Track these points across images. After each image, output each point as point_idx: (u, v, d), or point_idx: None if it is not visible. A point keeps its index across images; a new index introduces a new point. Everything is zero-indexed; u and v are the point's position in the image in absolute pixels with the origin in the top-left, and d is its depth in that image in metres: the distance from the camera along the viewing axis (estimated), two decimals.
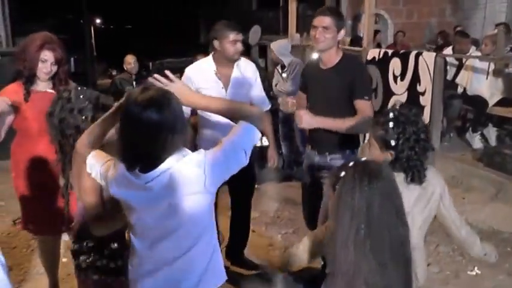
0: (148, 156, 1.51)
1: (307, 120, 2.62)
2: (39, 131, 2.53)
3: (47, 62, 2.60)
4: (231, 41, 2.96)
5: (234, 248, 3.48)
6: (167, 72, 1.77)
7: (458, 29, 7.52)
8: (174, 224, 1.57)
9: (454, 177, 4.80)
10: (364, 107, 2.61)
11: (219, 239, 3.58)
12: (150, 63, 13.23)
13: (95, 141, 1.71)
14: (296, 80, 5.75)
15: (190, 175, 1.51)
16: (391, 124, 1.81)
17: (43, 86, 2.69)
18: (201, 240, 1.61)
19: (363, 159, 1.44)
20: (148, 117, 1.47)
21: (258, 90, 3.27)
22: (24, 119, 2.64)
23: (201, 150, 1.57)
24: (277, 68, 5.73)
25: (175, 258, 1.60)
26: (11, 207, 4.37)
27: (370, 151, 1.91)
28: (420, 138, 1.81)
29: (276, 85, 5.64)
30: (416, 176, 1.83)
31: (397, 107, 1.88)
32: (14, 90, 2.63)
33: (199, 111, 3.16)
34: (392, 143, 1.80)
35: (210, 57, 3.10)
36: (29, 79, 2.63)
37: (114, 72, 22.08)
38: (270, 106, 3.40)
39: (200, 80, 3.00)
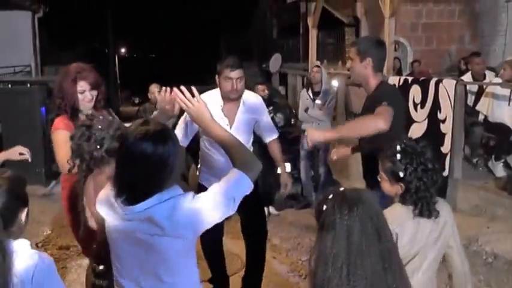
0: (135, 188, 1.54)
1: (312, 136, 2.50)
2: None
3: (85, 92, 2.63)
4: (225, 77, 2.90)
5: (251, 281, 3.39)
6: (193, 88, 1.81)
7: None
8: (146, 262, 1.58)
9: (478, 206, 4.72)
10: (380, 109, 2.48)
11: (227, 279, 3.47)
12: None
13: None
14: (330, 110, 5.80)
15: (160, 217, 1.51)
16: (398, 156, 1.84)
17: None
18: (176, 285, 1.61)
19: (341, 189, 1.46)
20: (141, 149, 1.50)
21: (266, 121, 3.27)
22: None
23: (190, 193, 1.58)
24: (308, 92, 5.74)
25: None
26: (34, 231, 4.48)
27: (381, 185, 1.94)
28: (428, 169, 1.82)
29: (306, 110, 5.62)
30: (425, 208, 1.83)
31: (403, 140, 1.90)
32: (64, 123, 2.61)
33: (202, 147, 3.18)
34: (401, 174, 1.83)
35: (218, 92, 3.05)
36: (73, 113, 2.63)
37: (136, 100, 22.57)
38: (277, 135, 3.39)
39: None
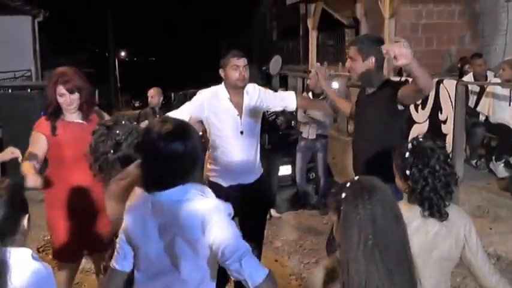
0: (167, 179, 1.59)
1: (401, 51, 2.11)
2: (74, 159, 2.66)
3: (65, 96, 2.71)
4: (232, 65, 2.97)
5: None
6: None
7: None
8: (173, 262, 1.60)
9: (480, 207, 4.70)
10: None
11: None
12: (172, 94, 13.48)
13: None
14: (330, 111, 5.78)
15: (204, 216, 1.55)
16: (407, 154, 1.83)
17: (73, 117, 2.80)
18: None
19: (356, 178, 1.50)
20: (170, 147, 1.55)
21: (273, 94, 3.25)
22: (57, 149, 2.73)
23: (227, 204, 1.62)
24: (308, 94, 5.69)
25: None
26: (35, 236, 4.48)
27: (395, 180, 1.93)
28: (436, 171, 1.79)
29: (305, 111, 5.59)
30: (431, 209, 1.79)
31: (420, 138, 1.88)
32: (44, 126, 2.75)
33: (212, 145, 3.13)
34: (407, 172, 1.82)
35: (222, 85, 3.09)
36: (55, 113, 2.76)
37: (137, 103, 22.61)
38: (295, 93, 3.33)
39: (215, 105, 3.01)
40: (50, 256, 4.18)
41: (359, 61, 2.66)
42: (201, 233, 1.54)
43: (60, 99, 2.72)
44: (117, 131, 2.01)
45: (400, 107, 2.57)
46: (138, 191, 1.69)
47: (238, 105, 3.05)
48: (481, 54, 6.27)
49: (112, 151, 1.97)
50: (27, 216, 1.61)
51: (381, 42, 2.76)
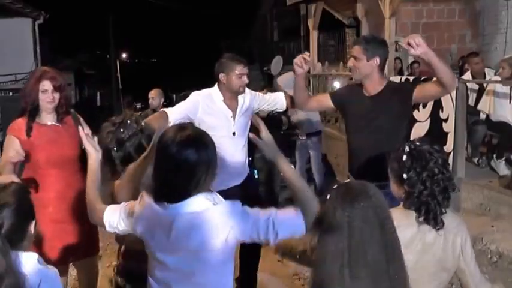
0: (179, 190, 1.55)
1: (419, 41, 2.28)
2: (47, 163, 2.58)
3: (47, 92, 2.60)
4: (237, 74, 2.98)
5: (246, 282, 3.39)
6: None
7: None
8: (189, 272, 1.57)
9: (482, 205, 4.70)
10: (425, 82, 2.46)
11: (255, 283, 3.51)
12: (174, 96, 13.51)
13: (134, 183, 1.81)
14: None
15: (218, 225, 1.52)
16: (404, 157, 1.76)
17: (48, 118, 2.68)
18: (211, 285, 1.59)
19: (347, 181, 1.49)
20: (186, 156, 1.51)
21: (262, 98, 3.26)
22: (31, 152, 2.62)
23: (237, 202, 1.59)
24: None
25: None
26: None
27: (391, 186, 1.86)
28: (435, 175, 1.71)
29: (291, 116, 5.63)
30: (431, 216, 1.70)
31: (417, 141, 1.82)
32: (18, 127, 2.64)
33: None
34: (404, 176, 1.74)
35: (216, 88, 3.10)
36: (32, 113, 2.63)
37: (138, 105, 22.64)
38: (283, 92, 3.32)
39: (210, 106, 3.03)
40: None
41: (363, 61, 2.64)
42: (218, 243, 1.52)
43: (41, 96, 2.59)
44: (122, 130, 2.03)
45: (409, 109, 2.59)
46: (146, 200, 1.63)
47: (232, 107, 3.09)
48: (477, 53, 6.26)
49: (115, 148, 1.99)
50: (33, 222, 1.60)
51: (385, 43, 2.79)
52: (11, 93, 7.20)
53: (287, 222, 1.53)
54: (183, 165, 1.52)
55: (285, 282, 3.71)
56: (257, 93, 3.31)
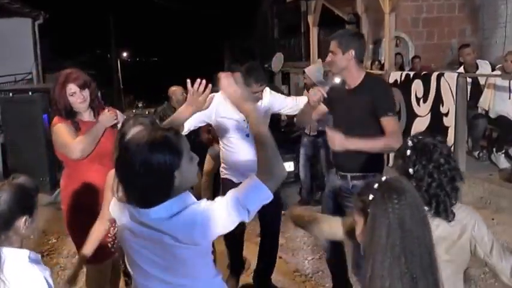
0: (144, 194, 1.50)
1: (340, 142, 2.58)
2: (89, 159, 2.62)
3: (75, 94, 2.64)
4: (253, 91, 2.97)
5: (262, 273, 3.51)
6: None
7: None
8: (162, 267, 1.57)
9: (483, 198, 4.71)
10: (389, 123, 2.62)
11: (243, 265, 3.63)
12: None
13: None
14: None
15: (173, 230, 1.49)
16: (408, 152, 1.75)
17: (86, 115, 2.73)
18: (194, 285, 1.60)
19: (383, 178, 1.45)
20: (141, 159, 1.45)
21: (283, 100, 3.34)
22: None
23: (203, 201, 1.56)
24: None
25: None
26: (39, 239, 4.51)
27: None
28: (441, 165, 1.71)
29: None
30: (442, 208, 1.70)
31: (418, 135, 1.82)
32: (66, 123, 2.66)
33: (222, 147, 3.28)
34: (411, 171, 1.73)
35: None
36: (69, 115, 2.67)
37: (140, 104, 22.66)
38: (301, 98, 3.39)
39: (226, 110, 3.03)
40: (55, 260, 4.22)
41: (339, 54, 2.73)
42: (197, 240, 1.51)
43: (72, 99, 2.63)
44: (125, 128, 2.07)
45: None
46: (116, 204, 1.65)
47: None
48: (468, 44, 6.22)
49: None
50: (24, 218, 1.57)
51: (359, 36, 2.92)
52: (10, 94, 7.17)
53: (252, 196, 1.52)
54: (144, 168, 1.45)
55: (286, 279, 3.72)
56: (278, 95, 3.34)
